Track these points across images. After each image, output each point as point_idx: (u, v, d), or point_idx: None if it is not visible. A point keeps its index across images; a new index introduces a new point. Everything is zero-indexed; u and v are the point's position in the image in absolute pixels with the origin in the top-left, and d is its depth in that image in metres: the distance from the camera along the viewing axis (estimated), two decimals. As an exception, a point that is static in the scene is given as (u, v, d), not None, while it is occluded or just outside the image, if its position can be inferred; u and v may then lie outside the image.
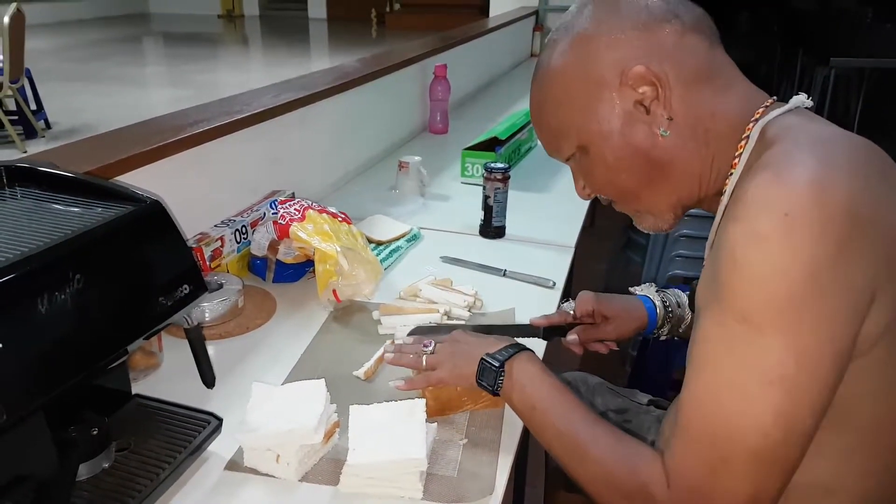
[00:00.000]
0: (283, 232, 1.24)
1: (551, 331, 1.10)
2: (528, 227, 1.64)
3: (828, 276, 0.59)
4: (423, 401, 0.91)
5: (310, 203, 1.31)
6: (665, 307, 1.11)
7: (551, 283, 1.37)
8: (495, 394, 0.89)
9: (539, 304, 1.29)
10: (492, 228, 1.59)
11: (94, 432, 0.75)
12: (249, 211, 1.40)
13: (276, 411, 0.86)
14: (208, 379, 0.86)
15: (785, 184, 0.62)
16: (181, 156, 1.25)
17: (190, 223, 1.31)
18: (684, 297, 1.13)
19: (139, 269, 0.70)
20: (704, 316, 0.67)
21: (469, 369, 0.91)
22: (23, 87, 4.98)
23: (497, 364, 0.88)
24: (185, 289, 0.75)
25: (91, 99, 6.80)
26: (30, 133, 5.05)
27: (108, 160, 1.08)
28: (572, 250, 1.55)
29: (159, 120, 1.36)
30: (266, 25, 13.72)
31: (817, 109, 0.76)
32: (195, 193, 1.34)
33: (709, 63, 0.75)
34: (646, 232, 0.87)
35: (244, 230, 1.35)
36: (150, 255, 0.72)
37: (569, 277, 1.47)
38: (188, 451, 0.81)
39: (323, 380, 0.91)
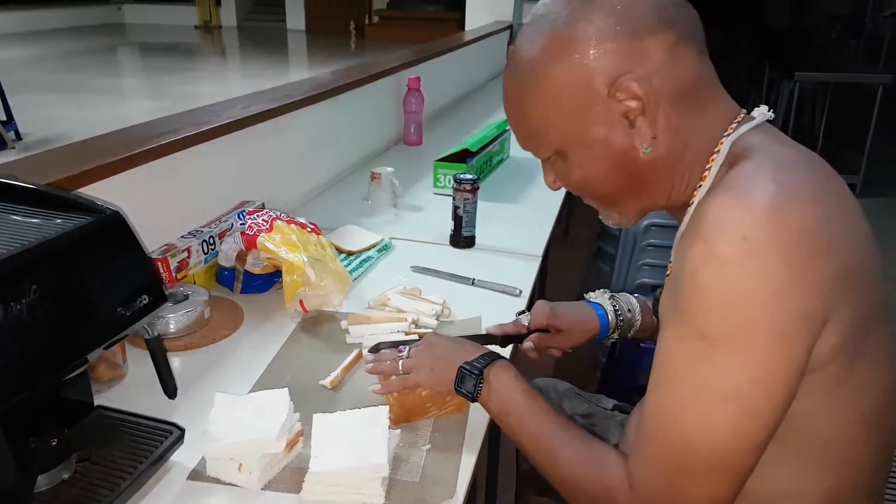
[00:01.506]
0: (250, 243, 1.24)
1: (507, 339, 1.12)
2: (498, 236, 1.66)
3: (784, 300, 0.62)
4: (387, 408, 0.92)
5: (278, 214, 1.31)
6: (616, 314, 1.14)
7: (518, 292, 1.39)
8: (474, 400, 0.91)
9: (505, 312, 1.31)
10: (462, 238, 1.61)
11: (54, 443, 0.75)
12: (218, 222, 1.40)
13: (239, 421, 0.86)
14: (170, 389, 0.86)
15: (745, 208, 0.64)
16: (147, 167, 1.25)
17: (157, 234, 1.31)
18: (635, 302, 1.16)
19: (97, 280, 0.70)
20: (667, 329, 0.70)
21: (447, 375, 0.93)
22: (-10, 98, 4.92)
23: (477, 371, 0.90)
24: (145, 299, 0.75)
25: (65, 110, 6.73)
26: (1, 145, 4.98)
27: (73, 171, 1.08)
28: (539, 259, 1.57)
29: (127, 131, 1.37)
30: (244, 36, 13.68)
31: (784, 121, 0.78)
32: (162, 204, 1.34)
33: (697, 77, 0.74)
34: (610, 226, 0.89)
35: (212, 241, 1.35)
36: (109, 266, 0.72)
37: (539, 285, 1.50)
38: (149, 462, 0.81)
39: (286, 389, 0.92)
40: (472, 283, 1.42)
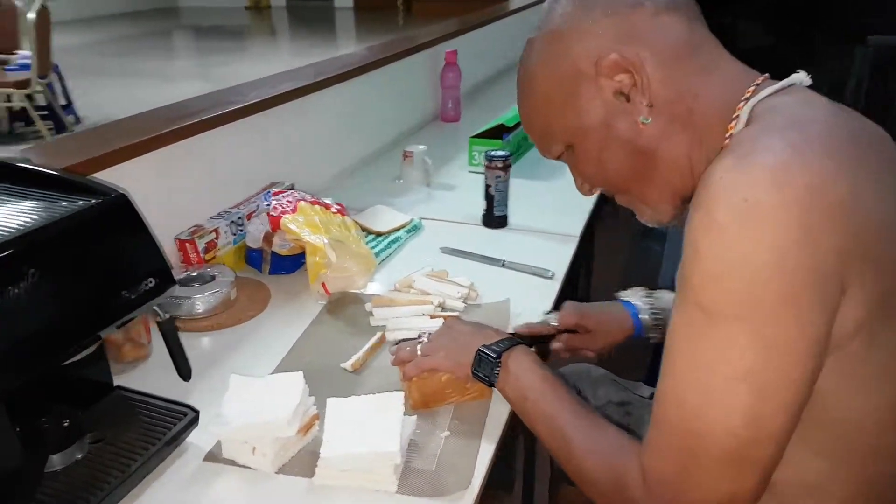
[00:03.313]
0: (275, 224, 1.23)
1: (535, 339, 1.08)
2: (533, 216, 1.61)
3: (793, 262, 0.56)
4: (402, 394, 0.90)
5: (303, 195, 1.30)
6: (653, 313, 1.09)
7: (550, 274, 1.35)
8: (491, 384, 0.90)
9: (536, 295, 1.28)
10: (494, 218, 1.57)
11: (66, 424, 0.75)
12: (246, 203, 1.40)
13: (252, 404, 0.86)
14: (184, 372, 0.86)
15: (745, 168, 0.59)
16: (173, 148, 1.26)
17: (186, 215, 1.32)
18: None
19: (99, 263, 0.70)
20: (675, 307, 0.65)
21: (465, 358, 0.91)
22: (51, 82, 5.07)
23: (494, 355, 0.89)
24: (151, 282, 0.74)
25: (121, 93, 6.89)
26: (59, 128, 5.13)
27: (96, 153, 1.09)
28: (576, 240, 1.52)
29: (154, 112, 1.37)
30: (293, 16, 13.77)
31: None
32: (190, 186, 1.35)
33: (688, 42, 0.72)
34: (649, 225, 0.84)
35: (240, 222, 1.35)
36: (112, 249, 0.72)
37: (585, 269, 1.45)
38: (161, 443, 0.81)
39: (301, 372, 0.91)
40: (503, 265, 1.39)
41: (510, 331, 1.09)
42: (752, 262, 0.57)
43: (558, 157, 0.82)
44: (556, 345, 1.08)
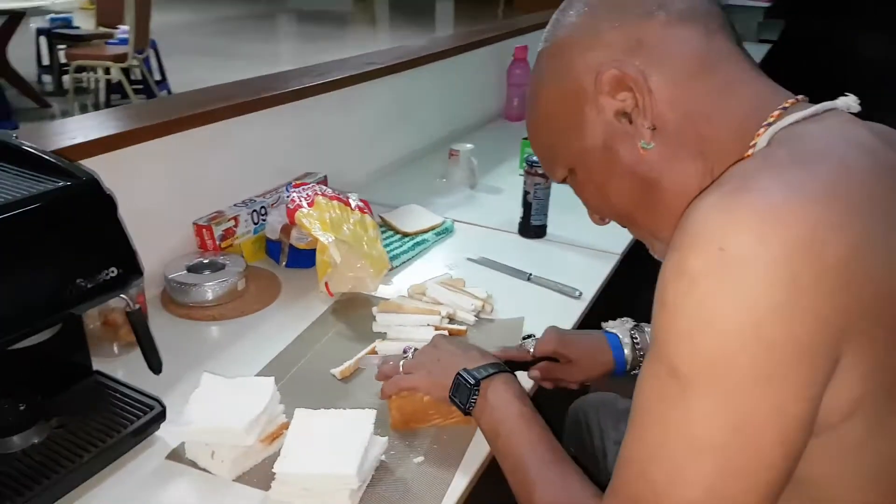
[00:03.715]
0: (291, 217, 1.20)
1: (512, 365, 1.00)
2: (575, 228, 1.51)
3: (770, 333, 0.47)
4: (374, 412, 0.84)
5: (324, 189, 1.26)
6: (635, 347, 0.99)
7: (577, 294, 1.26)
8: (467, 413, 0.84)
9: (558, 315, 1.19)
10: (531, 228, 1.49)
11: (22, 408, 0.74)
12: (274, 192, 1.38)
13: (217, 406, 0.83)
14: (154, 365, 0.84)
15: (729, 209, 0.49)
16: (200, 131, 1.24)
17: (210, 200, 1.31)
18: None
19: (53, 249, 0.68)
20: (645, 358, 0.57)
21: (444, 380, 0.86)
22: (148, 58, 5.30)
23: (473, 382, 0.83)
24: (113, 271, 0.72)
25: (216, 74, 7.10)
26: (154, 102, 5.38)
27: (111, 132, 1.09)
28: (616, 258, 1.41)
29: (186, 95, 1.37)
30: (394, 4, 13.90)
31: None
32: (217, 171, 1.33)
33: (704, 57, 0.62)
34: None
35: (263, 211, 1.33)
36: (70, 235, 0.70)
37: (614, 290, 1.34)
38: (120, 436, 0.79)
39: (272, 378, 0.87)
40: (529, 279, 1.31)
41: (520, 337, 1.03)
42: (723, 324, 0.48)
43: (563, 181, 0.74)
44: (532, 373, 0.99)
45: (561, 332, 1.01)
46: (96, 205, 0.72)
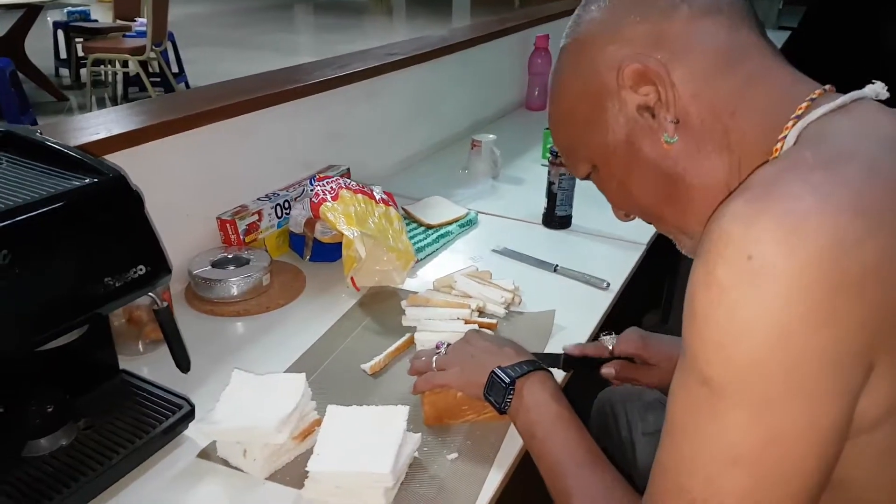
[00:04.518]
0: (315, 211, 1.19)
1: (580, 362, 0.98)
2: (600, 218, 1.47)
3: (800, 344, 0.46)
4: (407, 408, 0.83)
5: (348, 182, 1.25)
6: None
7: (605, 285, 1.23)
8: (502, 412, 0.83)
9: (586, 306, 1.17)
10: (555, 218, 1.47)
11: (50, 409, 0.74)
12: (297, 186, 1.37)
13: (248, 403, 0.82)
14: (182, 364, 0.83)
15: (755, 218, 0.48)
16: (223, 124, 1.23)
17: (234, 195, 1.30)
18: None
19: (81, 248, 0.67)
20: (677, 366, 0.55)
21: (478, 378, 0.85)
22: (165, 50, 5.31)
23: (508, 381, 0.81)
24: (141, 269, 0.71)
25: (234, 65, 7.14)
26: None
27: (138, 126, 1.08)
28: (643, 248, 1.39)
29: (208, 88, 1.36)
30: (411, -7, 13.85)
31: None
32: (240, 165, 1.32)
33: (729, 50, 0.60)
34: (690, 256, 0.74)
35: (287, 205, 1.32)
36: (98, 234, 0.68)
37: (643, 282, 1.32)
38: (149, 437, 0.78)
39: (303, 374, 0.86)
40: (555, 270, 1.29)
41: (563, 347, 1.00)
42: (753, 334, 0.47)
43: (586, 177, 0.73)
44: (606, 370, 0.97)
45: (643, 333, 0.98)
46: (124, 202, 0.71)
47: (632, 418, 1.16)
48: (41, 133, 0.76)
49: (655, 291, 2.37)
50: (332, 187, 1.21)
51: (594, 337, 1.13)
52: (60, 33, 5.98)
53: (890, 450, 0.53)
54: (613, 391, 1.26)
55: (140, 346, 1.02)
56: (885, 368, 0.49)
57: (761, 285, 0.46)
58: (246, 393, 0.83)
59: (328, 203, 1.17)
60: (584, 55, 0.65)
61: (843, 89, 0.60)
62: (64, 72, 6.14)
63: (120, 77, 5.45)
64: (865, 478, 0.54)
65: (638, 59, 0.60)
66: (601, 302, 1.20)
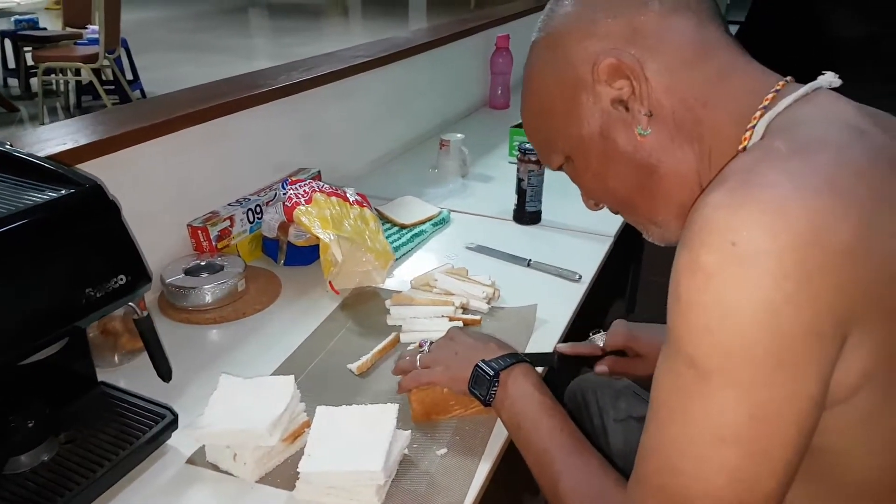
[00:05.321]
0: (289, 214, 1.19)
1: (572, 360, 1.00)
2: (569, 212, 1.51)
3: (787, 322, 0.48)
4: (396, 406, 0.84)
5: (321, 185, 1.25)
6: None
7: (577, 277, 1.26)
8: (486, 404, 0.84)
9: (561, 299, 1.19)
10: (526, 214, 1.49)
11: (30, 424, 0.72)
12: (268, 189, 1.36)
13: (237, 407, 0.82)
14: (163, 372, 0.82)
15: (736, 207, 0.50)
16: (187, 132, 1.22)
17: (203, 201, 1.28)
18: None
19: (61, 259, 0.66)
20: (662, 351, 0.58)
21: (462, 373, 0.86)
22: (119, 57, 5.20)
23: (491, 373, 0.83)
24: (122, 279, 0.70)
25: (191, 70, 7.03)
26: (125, 102, 5.28)
27: (104, 135, 1.06)
28: (611, 241, 1.42)
29: (175, 95, 1.34)
30: (365, -5, 13.80)
31: None
32: (208, 171, 1.31)
33: (699, 45, 0.63)
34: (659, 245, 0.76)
35: (258, 210, 1.31)
36: (77, 245, 0.68)
37: (612, 272, 1.34)
38: (133, 448, 0.77)
39: (292, 377, 0.86)
40: (528, 265, 1.31)
41: (555, 347, 1.02)
42: (739, 317, 0.49)
43: (559, 168, 0.75)
44: (600, 367, 0.99)
45: (630, 325, 1.00)
46: (102, 212, 0.70)
47: (603, 405, 1.19)
48: (10, 145, 0.75)
49: (619, 281, 2.42)
50: (304, 190, 1.21)
51: (573, 327, 1.15)
52: (8, 42, 5.81)
53: (871, 415, 0.55)
54: (584, 380, 1.29)
55: (116, 357, 1.00)
56: (857, 339, 0.51)
57: (748, 269, 0.48)
58: (235, 397, 0.83)
59: (302, 207, 1.17)
60: (558, 50, 0.67)
61: (796, 80, 0.63)
62: (13, 82, 5.96)
63: (73, 86, 5.32)
64: (843, 444, 0.56)
65: (612, 54, 0.62)
66: (574, 294, 1.22)
